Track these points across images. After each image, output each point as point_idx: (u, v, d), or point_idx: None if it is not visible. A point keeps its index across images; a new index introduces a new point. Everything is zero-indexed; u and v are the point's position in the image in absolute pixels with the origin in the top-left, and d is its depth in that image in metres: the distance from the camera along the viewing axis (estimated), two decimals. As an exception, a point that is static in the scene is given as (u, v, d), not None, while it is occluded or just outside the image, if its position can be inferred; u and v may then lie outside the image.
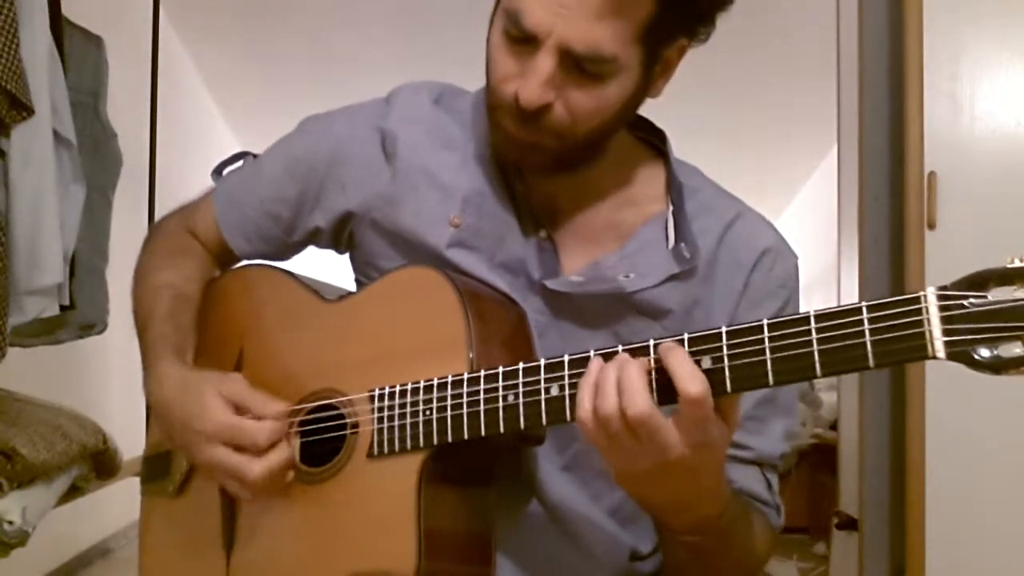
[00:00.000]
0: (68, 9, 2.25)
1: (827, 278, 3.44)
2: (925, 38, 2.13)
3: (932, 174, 2.11)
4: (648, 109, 0.96)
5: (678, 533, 0.87)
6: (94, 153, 2.45)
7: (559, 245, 0.98)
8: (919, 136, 2.13)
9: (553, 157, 0.91)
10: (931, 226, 2.11)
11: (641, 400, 0.72)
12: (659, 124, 1.03)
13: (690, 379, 0.71)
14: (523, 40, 0.85)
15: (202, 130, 5.58)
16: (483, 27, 0.91)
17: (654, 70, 0.90)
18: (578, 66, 0.85)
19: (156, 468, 1.09)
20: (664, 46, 0.89)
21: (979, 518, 2.08)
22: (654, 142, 1.03)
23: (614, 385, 0.74)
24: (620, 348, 0.77)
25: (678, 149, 1.03)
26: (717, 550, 0.88)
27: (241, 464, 0.89)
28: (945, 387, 2.06)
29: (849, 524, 2.71)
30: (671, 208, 0.97)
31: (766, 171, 6.53)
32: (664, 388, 0.74)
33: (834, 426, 3.42)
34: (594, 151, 0.94)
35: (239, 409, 0.90)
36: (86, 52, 2.46)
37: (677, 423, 0.73)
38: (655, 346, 0.75)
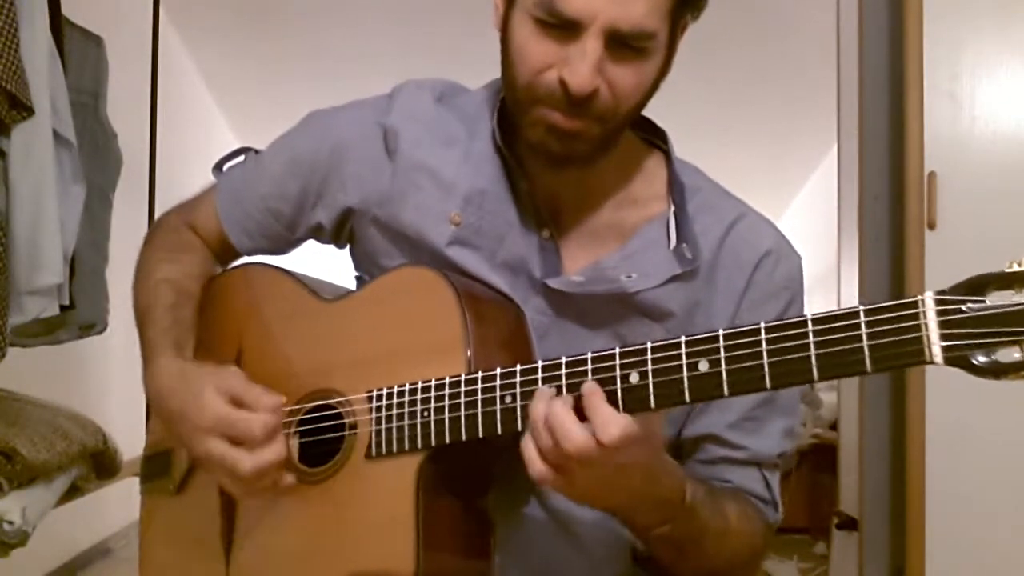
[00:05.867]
0: (68, 9, 2.24)
1: (827, 278, 3.43)
2: (925, 38, 2.13)
3: (932, 174, 2.11)
4: (648, 108, 0.96)
5: (650, 529, 0.86)
6: (94, 153, 2.45)
7: (561, 244, 0.97)
8: (919, 136, 2.12)
9: (595, 144, 0.90)
10: (931, 226, 2.10)
11: (576, 436, 0.74)
12: (659, 123, 1.02)
13: (603, 427, 0.73)
14: (560, 27, 0.84)
15: (202, 130, 5.57)
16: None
17: (673, 47, 0.91)
18: (622, 45, 0.84)
19: (156, 467, 1.09)
20: (681, 21, 0.90)
21: (979, 518, 2.08)
22: (655, 141, 1.03)
23: (545, 427, 0.75)
24: (617, 349, 0.76)
25: (678, 148, 1.02)
26: (692, 535, 0.88)
27: (233, 457, 0.87)
28: (945, 387, 2.06)
29: (849, 524, 2.72)
30: (672, 208, 0.97)
31: (766, 171, 6.52)
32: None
33: (834, 426, 3.42)
34: (617, 139, 0.93)
35: (236, 402, 0.89)
36: (86, 52, 2.46)
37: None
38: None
